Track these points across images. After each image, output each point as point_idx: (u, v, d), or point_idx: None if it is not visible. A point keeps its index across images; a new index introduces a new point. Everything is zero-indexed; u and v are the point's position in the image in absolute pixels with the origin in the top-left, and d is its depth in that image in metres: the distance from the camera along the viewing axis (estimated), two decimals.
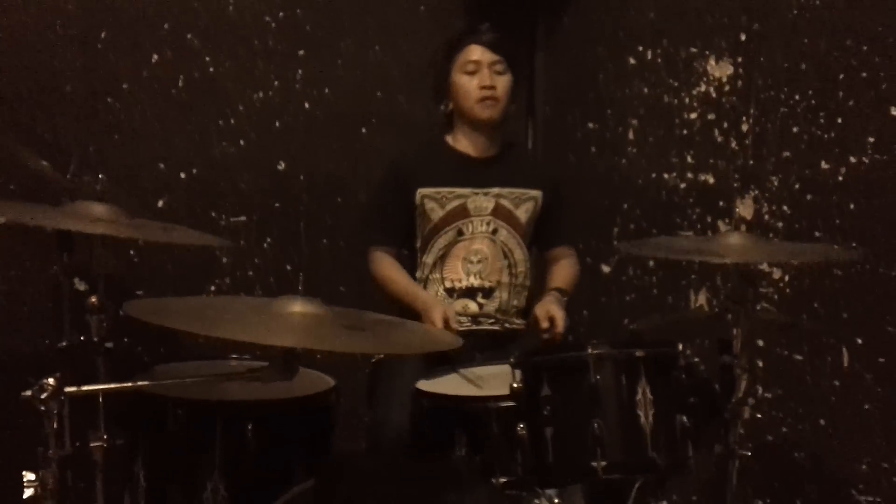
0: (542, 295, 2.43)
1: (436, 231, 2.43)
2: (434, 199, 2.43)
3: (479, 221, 2.44)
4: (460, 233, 2.43)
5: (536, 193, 2.49)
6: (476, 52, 2.40)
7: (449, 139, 2.50)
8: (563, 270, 2.54)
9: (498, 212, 2.45)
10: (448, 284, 2.43)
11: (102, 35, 2.59)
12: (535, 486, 1.87)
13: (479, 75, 2.39)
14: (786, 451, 2.64)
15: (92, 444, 1.98)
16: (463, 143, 2.47)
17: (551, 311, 2.29)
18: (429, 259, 2.45)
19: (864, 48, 2.52)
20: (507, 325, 2.43)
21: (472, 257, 2.42)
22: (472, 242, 2.43)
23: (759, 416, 2.65)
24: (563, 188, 2.58)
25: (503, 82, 2.42)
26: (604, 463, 1.77)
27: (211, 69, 2.74)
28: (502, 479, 1.83)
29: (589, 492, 2.02)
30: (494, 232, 2.44)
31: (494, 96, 2.40)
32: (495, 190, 2.44)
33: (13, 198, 2.46)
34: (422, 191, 2.42)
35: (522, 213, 2.47)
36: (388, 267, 2.44)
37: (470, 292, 2.43)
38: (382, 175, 2.52)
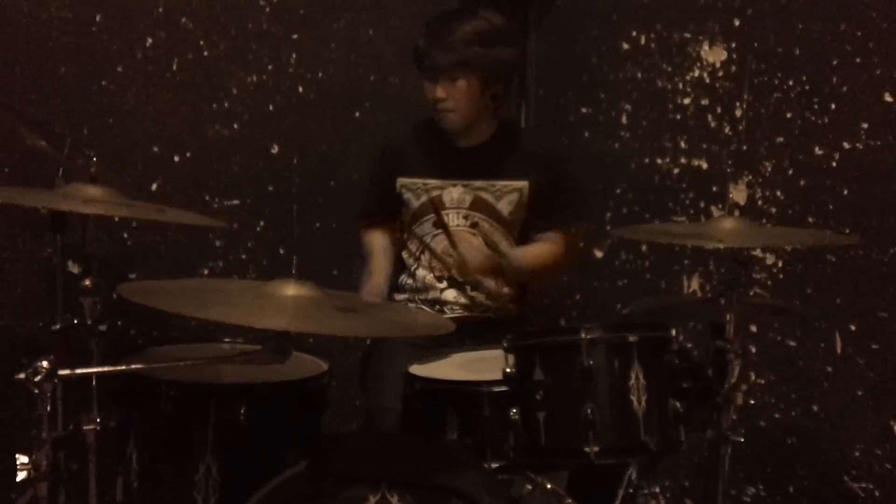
0: None
1: (413, 221, 2.42)
2: (410, 190, 2.42)
3: (454, 214, 2.40)
4: (435, 225, 2.37)
5: (521, 184, 2.42)
6: (422, 63, 2.35)
7: (443, 124, 2.44)
8: (532, 243, 2.46)
9: (477, 205, 2.40)
10: (437, 273, 2.41)
11: (97, 18, 2.58)
12: (528, 471, 1.88)
13: (435, 85, 2.33)
14: (778, 437, 2.66)
15: (85, 427, 1.98)
16: (447, 134, 2.43)
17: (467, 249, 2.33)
18: (412, 247, 2.45)
19: (858, 33, 2.52)
20: (500, 311, 2.42)
21: (450, 250, 2.36)
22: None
23: (751, 401, 2.67)
24: (557, 171, 2.48)
25: (458, 89, 2.32)
26: (596, 448, 1.77)
27: (205, 52, 2.73)
28: (494, 464, 1.83)
29: (580, 476, 2.04)
30: (474, 225, 2.39)
31: (447, 108, 2.34)
32: (476, 182, 2.40)
33: (6, 180, 2.46)
34: (401, 180, 2.43)
35: (505, 206, 2.41)
36: (366, 241, 2.51)
37: (457, 283, 2.40)
38: (374, 156, 2.53)
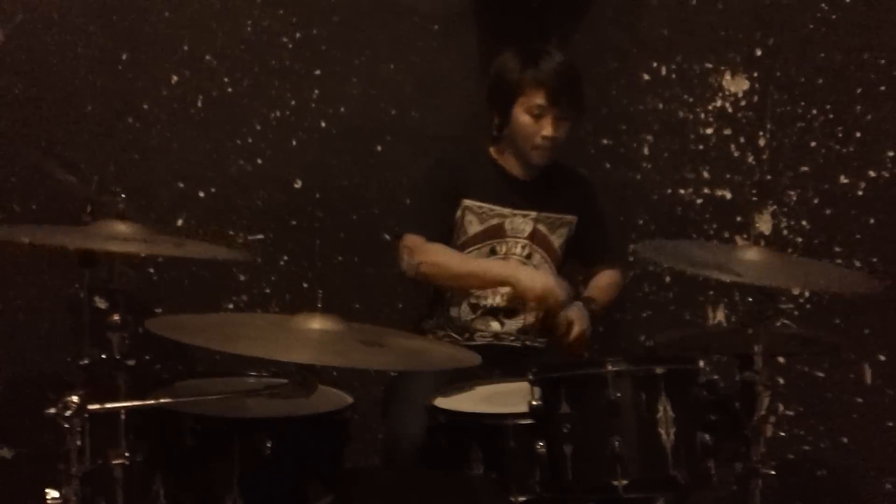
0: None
1: (468, 245, 2.40)
2: (475, 213, 2.39)
3: (514, 243, 2.41)
4: (493, 251, 2.39)
5: (571, 218, 2.47)
6: (543, 98, 2.30)
7: (493, 152, 2.45)
8: (599, 281, 2.51)
9: (535, 236, 2.42)
10: (473, 301, 2.40)
11: (123, 56, 2.62)
12: None
13: (543, 121, 2.31)
14: (808, 469, 2.62)
15: (113, 461, 1.99)
16: (509, 163, 2.43)
17: (570, 317, 2.28)
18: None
19: (882, 62, 2.52)
20: (527, 343, 2.42)
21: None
22: None
23: (780, 433, 2.63)
24: (600, 206, 2.56)
25: (565, 129, 2.35)
26: (624, 481, 1.75)
27: (229, 89, 2.77)
28: (521, 498, 1.82)
29: None
30: (528, 256, 2.41)
31: (555, 146, 2.35)
32: (533, 213, 2.41)
33: (35, 216, 2.49)
34: (465, 202, 2.38)
35: (556, 239, 2.45)
36: (439, 250, 2.32)
37: (494, 311, 2.40)
38: (427, 175, 2.46)
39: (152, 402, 1.79)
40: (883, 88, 2.52)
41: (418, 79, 2.90)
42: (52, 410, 1.53)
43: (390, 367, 2.22)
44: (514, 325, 2.41)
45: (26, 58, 2.51)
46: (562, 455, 1.79)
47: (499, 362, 2.22)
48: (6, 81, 2.48)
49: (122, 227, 1.97)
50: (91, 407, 1.54)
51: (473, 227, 2.40)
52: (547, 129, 2.32)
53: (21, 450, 2.52)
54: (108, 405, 1.61)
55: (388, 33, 2.91)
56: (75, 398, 1.53)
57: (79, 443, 1.55)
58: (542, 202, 2.43)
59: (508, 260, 2.39)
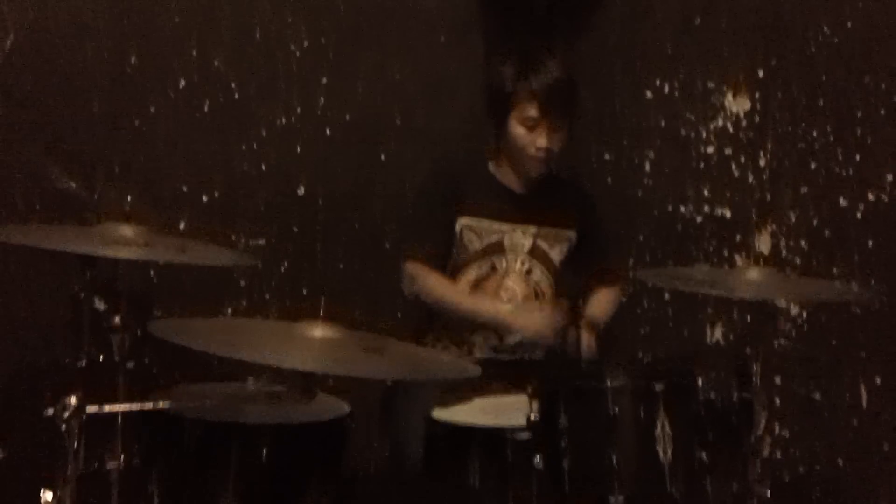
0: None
1: (468, 262, 2.40)
2: (474, 231, 2.39)
3: (513, 259, 2.41)
4: (493, 268, 2.40)
5: (571, 233, 2.47)
6: (536, 109, 2.30)
7: (492, 166, 2.46)
8: (599, 299, 2.51)
9: (535, 251, 2.42)
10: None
11: (132, 58, 2.62)
12: None
13: (536, 132, 2.31)
14: (803, 491, 2.62)
15: (109, 464, 1.98)
16: (508, 177, 2.43)
17: (579, 335, 2.28)
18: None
19: (883, 85, 2.53)
20: (526, 356, 2.43)
21: (501, 294, 2.39)
22: (504, 279, 2.41)
23: (776, 454, 2.63)
24: (599, 220, 2.56)
25: (559, 139, 2.35)
26: (621, 497, 1.75)
27: (235, 94, 2.77)
28: None
29: None
30: (528, 272, 2.42)
31: (550, 157, 2.35)
32: (533, 228, 2.42)
33: (38, 215, 2.49)
34: (462, 220, 2.38)
35: (556, 254, 2.46)
36: (440, 286, 2.35)
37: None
38: (423, 188, 2.47)
39: (150, 405, 1.79)
40: (883, 112, 2.53)
41: (424, 86, 2.91)
42: (50, 411, 1.53)
43: (391, 376, 2.22)
44: (512, 338, 2.41)
45: (34, 57, 2.51)
46: (559, 469, 1.80)
47: (498, 375, 2.22)
48: (14, 81, 2.48)
49: (126, 230, 1.97)
50: (90, 409, 1.54)
51: (473, 244, 2.40)
52: (541, 140, 2.32)
53: (17, 450, 2.51)
54: (107, 407, 1.60)
55: (395, 41, 2.92)
56: (73, 399, 1.53)
57: (75, 444, 1.55)
58: (541, 217, 2.43)
59: (503, 299, 2.38)
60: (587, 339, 2.29)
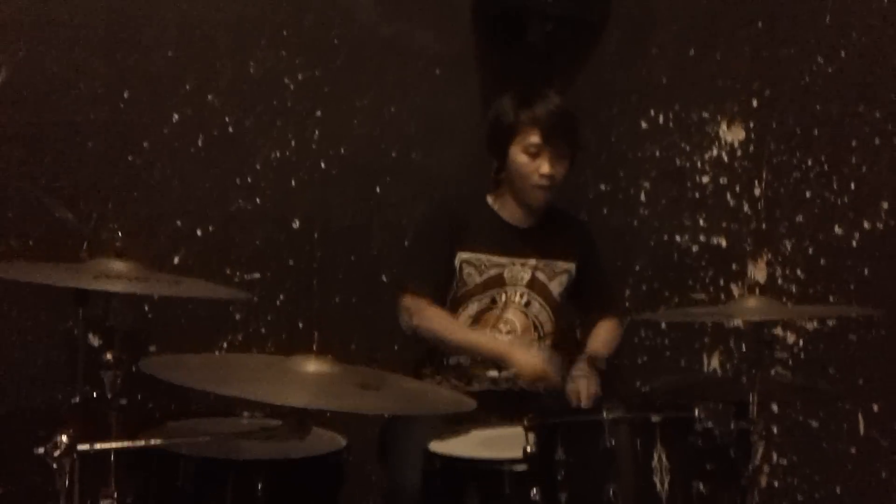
0: (577, 360, 2.37)
1: (469, 296, 2.40)
2: (473, 265, 2.39)
3: (513, 292, 2.41)
4: (493, 301, 2.40)
5: (570, 266, 2.47)
6: (539, 136, 2.31)
7: (490, 200, 2.46)
8: (599, 333, 2.51)
9: (533, 284, 2.42)
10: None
11: (125, 94, 2.63)
12: None
13: (539, 160, 2.32)
14: None
15: (103, 502, 1.96)
16: (507, 210, 2.44)
17: (577, 388, 2.27)
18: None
19: (877, 115, 2.55)
20: (524, 387, 2.41)
21: (501, 326, 2.40)
22: (504, 312, 2.41)
23: (775, 483, 2.62)
24: (598, 254, 2.57)
25: (563, 167, 2.36)
26: None
27: (230, 129, 2.78)
28: None
29: None
30: (527, 305, 2.42)
31: (553, 185, 2.36)
32: (532, 261, 2.42)
33: (32, 252, 2.48)
34: (462, 255, 2.38)
35: (556, 287, 2.45)
36: (438, 319, 2.35)
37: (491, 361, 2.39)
38: (424, 223, 2.50)
39: (143, 442, 1.78)
40: (878, 141, 2.54)
41: (420, 120, 2.92)
42: (41, 450, 1.51)
43: (387, 411, 2.21)
44: (511, 371, 2.40)
45: (28, 93, 2.52)
46: (557, 502, 1.78)
47: (496, 407, 2.21)
48: (7, 116, 2.49)
49: (118, 265, 1.97)
50: (81, 447, 1.53)
51: (473, 278, 2.39)
52: (544, 168, 2.33)
53: (10, 488, 2.49)
54: (98, 446, 1.59)
55: (390, 75, 2.94)
56: (65, 438, 1.52)
57: (67, 483, 1.53)
58: (540, 249, 2.43)
59: (502, 332, 2.38)
60: (586, 388, 2.28)
